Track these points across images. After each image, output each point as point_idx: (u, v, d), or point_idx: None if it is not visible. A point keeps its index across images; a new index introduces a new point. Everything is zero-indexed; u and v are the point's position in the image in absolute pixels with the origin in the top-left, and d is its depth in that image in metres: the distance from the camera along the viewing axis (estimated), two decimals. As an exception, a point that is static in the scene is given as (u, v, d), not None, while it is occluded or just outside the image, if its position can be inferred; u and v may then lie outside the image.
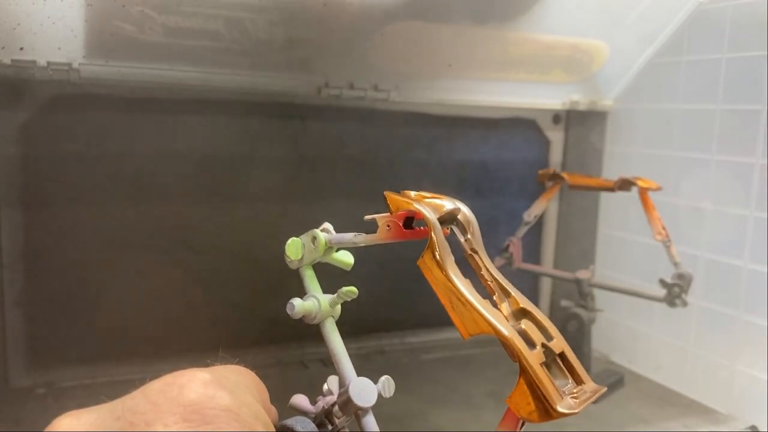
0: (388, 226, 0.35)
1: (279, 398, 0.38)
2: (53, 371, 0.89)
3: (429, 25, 0.88)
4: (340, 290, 0.38)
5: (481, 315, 0.30)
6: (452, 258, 0.33)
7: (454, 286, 0.31)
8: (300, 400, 0.42)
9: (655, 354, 1.05)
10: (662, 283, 0.92)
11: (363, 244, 0.38)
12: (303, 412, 0.40)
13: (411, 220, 0.35)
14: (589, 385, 0.30)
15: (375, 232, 0.36)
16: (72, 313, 0.89)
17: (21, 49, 0.74)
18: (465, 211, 0.35)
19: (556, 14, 0.94)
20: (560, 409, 0.28)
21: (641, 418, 0.89)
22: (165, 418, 0.26)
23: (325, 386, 0.41)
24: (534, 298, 1.24)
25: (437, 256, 0.32)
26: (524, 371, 0.28)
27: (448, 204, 0.35)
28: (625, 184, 0.95)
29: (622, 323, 1.11)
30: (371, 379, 0.37)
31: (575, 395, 0.29)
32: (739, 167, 0.91)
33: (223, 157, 0.95)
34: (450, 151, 1.10)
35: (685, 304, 0.90)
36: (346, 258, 0.42)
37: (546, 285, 1.23)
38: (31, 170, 0.85)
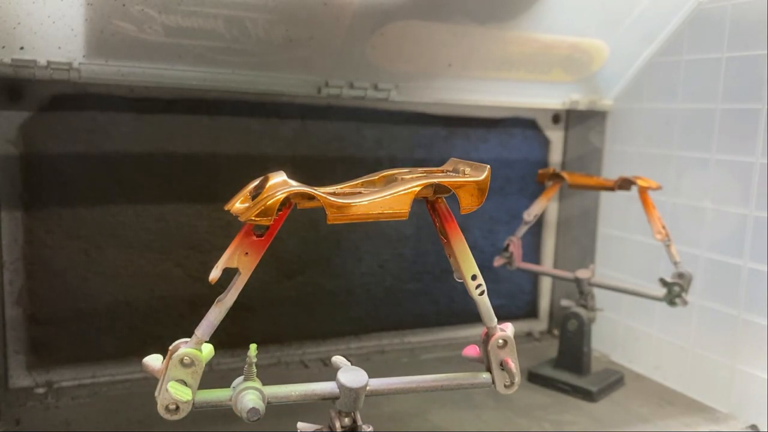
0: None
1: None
2: (53, 371, 0.89)
3: (429, 24, 0.88)
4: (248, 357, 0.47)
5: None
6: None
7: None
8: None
9: (655, 353, 1.05)
10: (662, 282, 0.92)
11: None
12: None
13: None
14: None
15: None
16: (72, 313, 0.89)
17: (21, 48, 0.74)
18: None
19: (556, 14, 0.94)
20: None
21: (641, 418, 0.89)
22: None
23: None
24: (534, 298, 1.24)
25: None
26: None
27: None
28: (624, 184, 0.95)
29: (622, 323, 1.11)
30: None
31: None
32: (739, 166, 0.91)
33: (223, 156, 0.96)
34: (450, 150, 1.10)
35: (685, 303, 0.90)
36: (208, 352, 0.48)
37: (546, 284, 1.23)
38: (31, 170, 0.85)
